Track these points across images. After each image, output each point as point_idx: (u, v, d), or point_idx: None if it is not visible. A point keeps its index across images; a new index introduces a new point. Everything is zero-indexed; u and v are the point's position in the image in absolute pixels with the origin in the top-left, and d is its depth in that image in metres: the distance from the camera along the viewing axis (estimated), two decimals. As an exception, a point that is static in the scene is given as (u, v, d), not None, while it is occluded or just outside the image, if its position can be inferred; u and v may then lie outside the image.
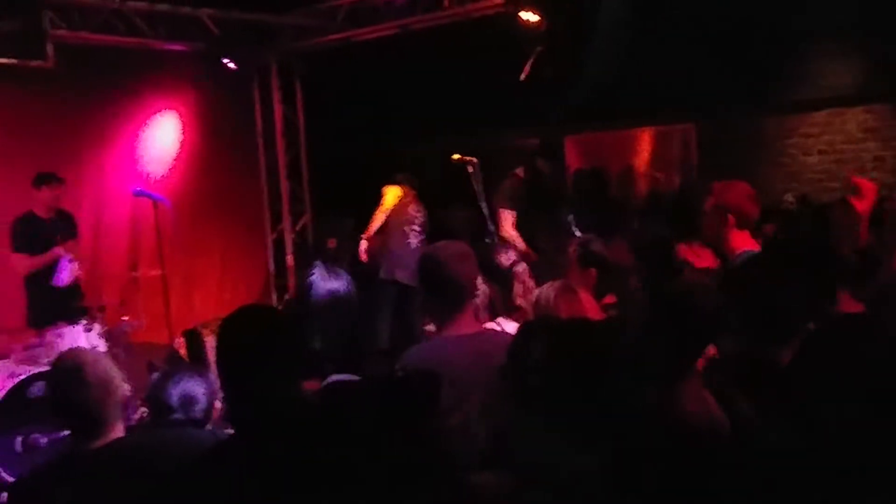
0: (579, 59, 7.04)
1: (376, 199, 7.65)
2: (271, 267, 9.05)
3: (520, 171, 6.28)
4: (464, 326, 2.89)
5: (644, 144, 9.09)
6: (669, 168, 8.87)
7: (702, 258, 4.05)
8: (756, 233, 3.62)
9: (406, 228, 7.13)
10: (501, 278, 4.04)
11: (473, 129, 8.27)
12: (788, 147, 8.37)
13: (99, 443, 2.51)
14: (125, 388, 2.54)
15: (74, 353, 2.67)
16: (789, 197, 7.73)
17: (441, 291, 2.91)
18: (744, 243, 3.42)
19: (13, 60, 6.38)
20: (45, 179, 6.12)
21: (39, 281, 6.11)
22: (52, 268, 6.08)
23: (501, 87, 7.39)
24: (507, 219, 6.05)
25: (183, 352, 6.93)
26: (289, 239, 8.97)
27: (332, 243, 8.66)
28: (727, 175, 3.81)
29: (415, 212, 7.20)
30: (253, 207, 8.92)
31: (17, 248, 6.08)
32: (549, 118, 8.06)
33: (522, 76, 6.45)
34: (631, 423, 2.24)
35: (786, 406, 2.24)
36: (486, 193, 5.85)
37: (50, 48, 6.47)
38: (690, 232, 4.24)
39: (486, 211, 5.84)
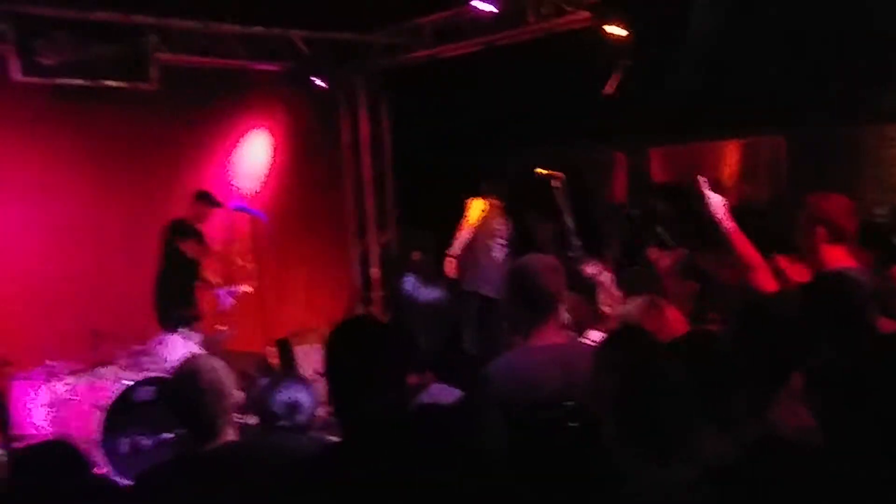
0: (665, 72, 7.01)
1: (460, 212, 7.78)
2: (357, 280, 9.24)
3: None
4: (549, 337, 2.95)
5: (731, 156, 8.96)
6: (758, 180, 8.73)
7: (798, 272, 4.01)
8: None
9: (490, 242, 7.22)
10: (587, 289, 4.11)
11: (558, 143, 8.29)
12: (886, 159, 8.10)
13: (211, 445, 2.63)
14: (237, 395, 2.67)
15: (193, 359, 2.81)
16: (881, 210, 7.51)
17: (529, 302, 2.97)
18: (838, 259, 3.31)
19: (120, 83, 6.73)
20: (203, 197, 6.59)
21: (170, 287, 6.47)
22: (183, 271, 6.43)
23: (586, 100, 7.40)
24: None
25: (274, 361, 7.14)
26: (374, 252, 9.15)
27: (416, 256, 8.80)
28: (819, 188, 3.72)
29: (499, 225, 7.29)
30: (339, 221, 9.15)
31: (184, 239, 6.50)
32: (633, 131, 8.05)
33: (608, 90, 6.46)
34: (718, 434, 2.27)
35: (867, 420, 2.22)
36: (571, 207, 5.90)
37: (153, 71, 6.81)
38: (780, 246, 4.20)
39: (570, 224, 5.88)
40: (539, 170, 5.81)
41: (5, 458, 5.31)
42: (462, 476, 2.00)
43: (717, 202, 3.43)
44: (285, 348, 7.78)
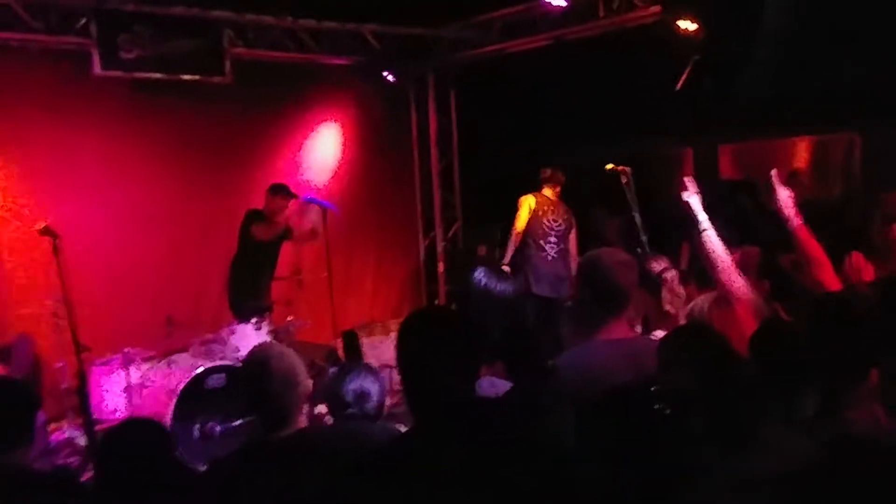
0: (737, 68, 6.89)
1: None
2: (423, 273, 9.31)
3: None
4: (619, 332, 2.95)
5: (803, 154, 8.77)
6: (830, 178, 8.52)
7: (869, 270, 3.93)
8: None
9: (541, 241, 7.18)
10: (653, 286, 4.08)
11: (627, 139, 8.23)
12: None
13: (283, 433, 2.67)
14: (308, 383, 2.72)
15: (264, 346, 2.88)
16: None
17: (601, 297, 2.97)
18: (914, 256, 3.30)
19: (196, 77, 6.90)
20: (279, 190, 6.70)
21: (244, 277, 6.61)
22: (257, 262, 6.63)
23: (655, 96, 7.33)
24: None
25: (340, 352, 7.24)
26: (440, 246, 9.20)
27: (482, 250, 8.83)
28: (893, 186, 3.67)
29: (551, 222, 7.21)
30: (407, 215, 9.22)
31: (257, 222, 6.62)
32: (704, 127, 7.93)
33: (678, 85, 6.38)
34: (793, 432, 2.24)
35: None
36: (639, 203, 5.85)
37: (228, 65, 6.97)
38: (854, 244, 4.12)
39: (638, 220, 5.83)
40: (609, 165, 5.77)
41: (84, 441, 5.53)
42: (530, 467, 2.02)
43: (784, 196, 3.43)
44: (352, 340, 7.89)
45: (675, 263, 4.48)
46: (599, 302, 2.98)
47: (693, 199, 3.61)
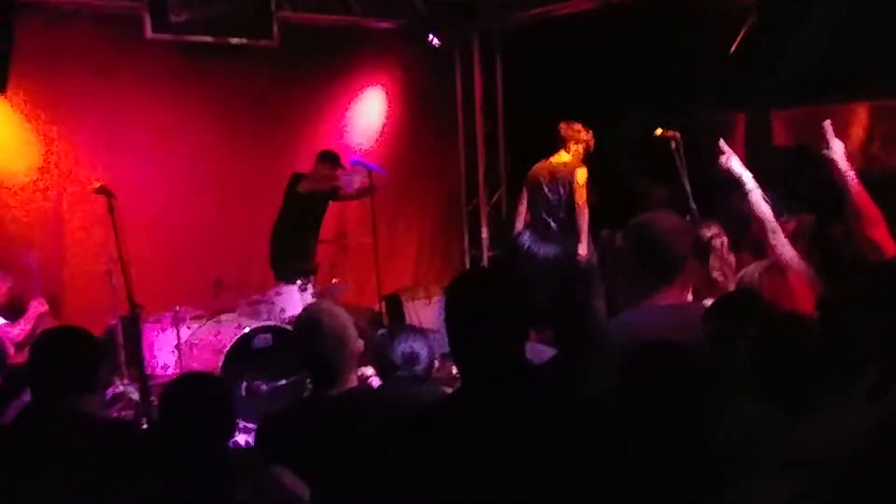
0: (794, 30, 6.72)
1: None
2: (466, 239, 9.31)
3: None
4: (669, 299, 2.92)
5: (860, 120, 8.55)
6: (890, 146, 8.30)
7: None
8: None
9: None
10: (702, 253, 4.03)
11: (676, 104, 8.08)
12: None
13: (335, 391, 2.73)
14: (359, 343, 2.76)
15: (317, 305, 2.92)
16: None
17: (653, 262, 2.93)
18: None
19: (243, 40, 6.94)
20: (329, 157, 6.78)
21: (289, 238, 6.74)
22: (302, 224, 6.74)
23: (706, 60, 7.18)
24: None
25: (384, 317, 7.31)
26: (484, 211, 9.19)
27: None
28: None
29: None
30: (451, 180, 9.20)
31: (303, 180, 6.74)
32: (757, 93, 7.76)
33: (733, 48, 6.24)
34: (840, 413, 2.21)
35: None
36: (688, 169, 5.77)
37: (275, 28, 6.98)
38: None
39: (687, 188, 5.76)
40: (658, 130, 5.69)
41: (137, 396, 5.67)
42: (575, 433, 2.01)
43: (839, 148, 3.36)
44: (394, 304, 7.95)
45: (726, 231, 4.40)
46: (651, 269, 2.95)
47: (733, 161, 3.51)
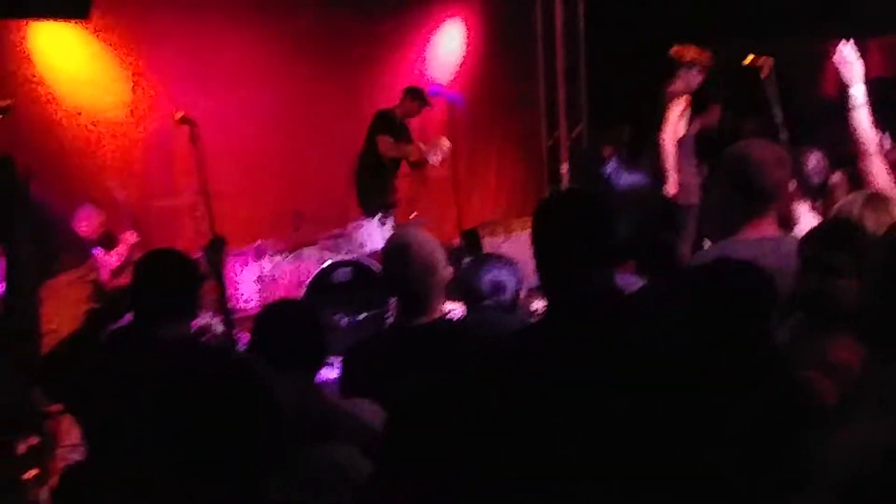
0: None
1: (655, 107, 7.39)
2: (546, 173, 9.18)
3: None
4: (763, 230, 2.81)
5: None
6: None
7: None
8: None
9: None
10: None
11: (767, 32, 7.73)
12: None
13: (423, 320, 2.69)
14: (448, 271, 2.72)
15: (404, 231, 2.88)
16: None
17: (747, 192, 2.81)
18: None
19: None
20: (417, 95, 6.76)
21: (369, 174, 6.76)
22: (381, 165, 6.75)
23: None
24: None
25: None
26: (564, 146, 9.03)
27: (607, 151, 8.60)
28: None
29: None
30: (530, 114, 9.05)
31: (383, 132, 6.71)
32: (850, 19, 7.36)
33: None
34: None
35: None
36: (780, 99, 5.54)
37: (355, -37, 6.90)
38: None
39: (778, 118, 5.53)
40: (749, 57, 5.44)
41: (221, 327, 5.79)
42: (661, 364, 1.95)
43: None
44: (473, 239, 7.91)
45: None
46: (745, 199, 2.83)
47: (854, 66, 3.24)
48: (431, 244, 2.68)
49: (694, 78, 6.33)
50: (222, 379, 1.76)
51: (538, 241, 2.07)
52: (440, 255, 2.67)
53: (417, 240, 2.68)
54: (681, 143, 6.39)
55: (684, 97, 6.37)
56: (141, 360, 2.65)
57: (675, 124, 6.30)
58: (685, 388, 1.95)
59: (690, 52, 6.41)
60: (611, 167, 2.61)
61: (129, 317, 3.16)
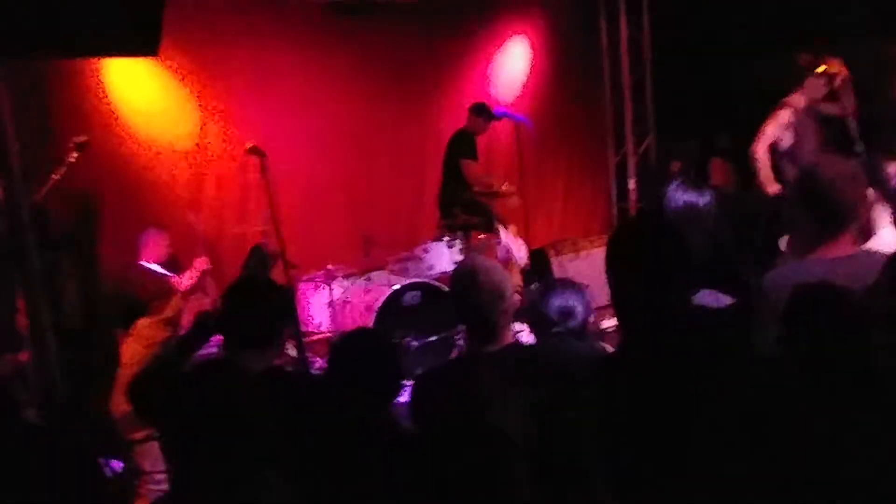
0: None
1: (724, 121, 7.21)
2: (613, 190, 9.07)
3: None
4: (838, 249, 2.70)
5: None
6: None
7: None
8: None
9: None
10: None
11: (840, 37, 7.49)
12: None
13: (492, 347, 2.66)
14: (516, 298, 2.69)
15: (471, 259, 2.87)
16: None
17: (821, 214, 2.70)
18: None
19: (384, -4, 6.93)
20: (482, 111, 6.76)
21: (446, 195, 6.76)
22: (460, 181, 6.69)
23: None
24: None
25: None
26: (631, 162, 8.90)
27: (675, 167, 8.45)
28: None
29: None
30: (596, 130, 8.95)
31: (468, 155, 6.73)
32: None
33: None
34: None
35: None
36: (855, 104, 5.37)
37: (418, -18, 6.93)
38: None
39: (853, 126, 5.37)
40: (822, 66, 5.27)
41: (295, 353, 5.85)
42: (735, 385, 1.90)
43: None
44: (541, 259, 7.85)
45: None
46: (818, 219, 2.73)
47: None
48: (499, 271, 2.66)
49: (819, 89, 6.03)
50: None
51: (613, 268, 2.05)
52: (508, 283, 2.65)
53: (485, 267, 2.67)
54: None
55: (791, 109, 6.06)
56: (230, 389, 2.68)
57: (774, 135, 5.98)
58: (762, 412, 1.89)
59: (824, 63, 6.05)
60: (673, 185, 2.56)
61: (214, 343, 3.18)
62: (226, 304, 2.91)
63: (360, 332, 2.95)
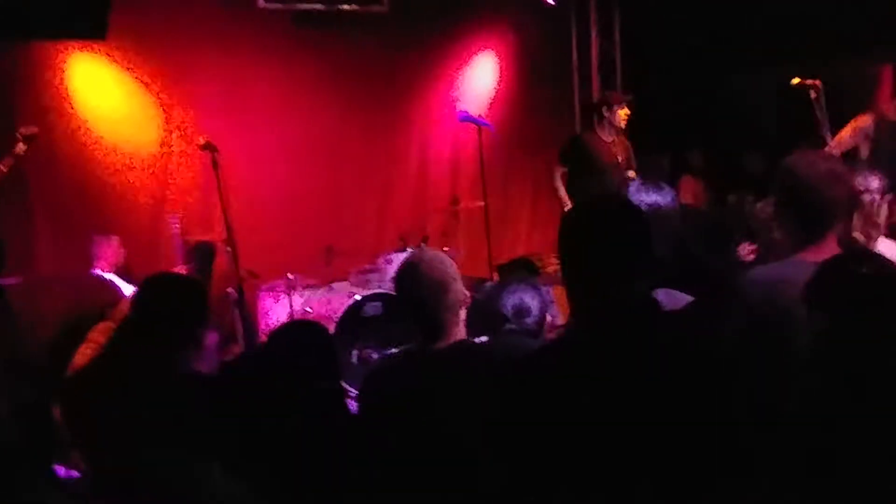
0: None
1: (697, 137, 7.13)
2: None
3: None
4: (822, 253, 2.57)
5: None
6: None
7: None
8: None
9: None
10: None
11: (814, 55, 7.44)
12: None
13: (440, 344, 2.54)
14: (463, 291, 2.54)
15: (417, 253, 2.73)
16: None
17: (799, 213, 2.56)
18: None
19: (354, 6, 6.86)
20: None
21: None
22: None
23: (846, 6, 6.59)
24: None
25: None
26: (601, 178, 8.81)
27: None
28: None
29: None
30: (566, 146, 8.87)
31: None
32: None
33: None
34: None
35: None
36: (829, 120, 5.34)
37: (385, -6, 6.86)
38: None
39: (828, 138, 5.34)
40: (795, 79, 5.27)
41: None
42: (697, 383, 1.81)
43: None
44: (508, 275, 7.73)
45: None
46: (798, 220, 2.59)
47: None
48: (444, 264, 2.51)
49: None
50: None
51: (566, 250, 1.96)
52: (454, 275, 2.50)
53: (426, 258, 2.53)
54: None
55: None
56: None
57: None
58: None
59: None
60: (633, 186, 2.47)
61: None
62: (134, 305, 2.82)
63: (296, 323, 2.82)
